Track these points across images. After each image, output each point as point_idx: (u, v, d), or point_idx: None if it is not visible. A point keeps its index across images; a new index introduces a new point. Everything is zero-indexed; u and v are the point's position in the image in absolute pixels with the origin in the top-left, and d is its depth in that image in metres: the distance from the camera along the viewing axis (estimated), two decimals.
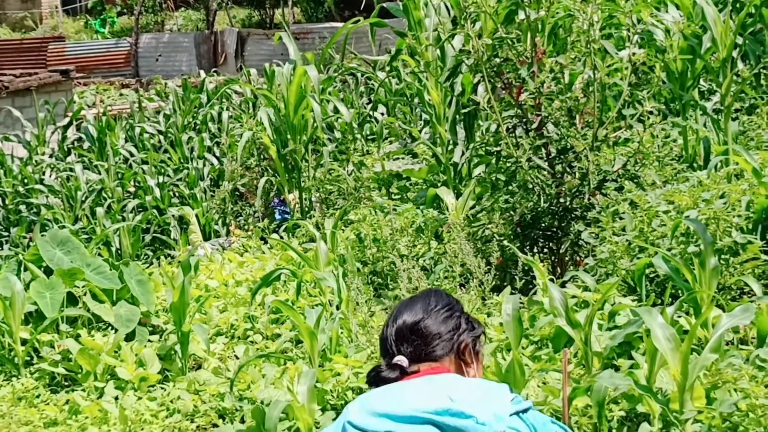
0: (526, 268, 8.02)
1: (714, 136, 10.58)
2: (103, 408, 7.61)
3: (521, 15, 9.34)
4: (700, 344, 6.06)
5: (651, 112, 9.21)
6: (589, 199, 8.52)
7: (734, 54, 10.66)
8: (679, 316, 6.60)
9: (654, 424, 5.53)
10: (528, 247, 8.60)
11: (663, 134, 10.63)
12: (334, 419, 6.46)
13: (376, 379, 3.47)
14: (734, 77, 10.44)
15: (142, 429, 7.37)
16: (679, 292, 6.99)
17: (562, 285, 7.80)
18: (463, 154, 11.27)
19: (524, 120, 8.77)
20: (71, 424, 7.57)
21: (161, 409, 7.62)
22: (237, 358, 8.40)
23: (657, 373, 5.74)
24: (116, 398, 7.86)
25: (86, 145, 16.27)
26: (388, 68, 14.73)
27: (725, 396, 5.54)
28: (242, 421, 7.07)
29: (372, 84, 16.74)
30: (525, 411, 3.26)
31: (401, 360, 3.46)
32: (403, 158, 13.30)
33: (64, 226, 12.23)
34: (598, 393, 5.59)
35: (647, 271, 7.51)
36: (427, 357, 3.45)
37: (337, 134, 14.63)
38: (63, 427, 7.55)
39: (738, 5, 11.83)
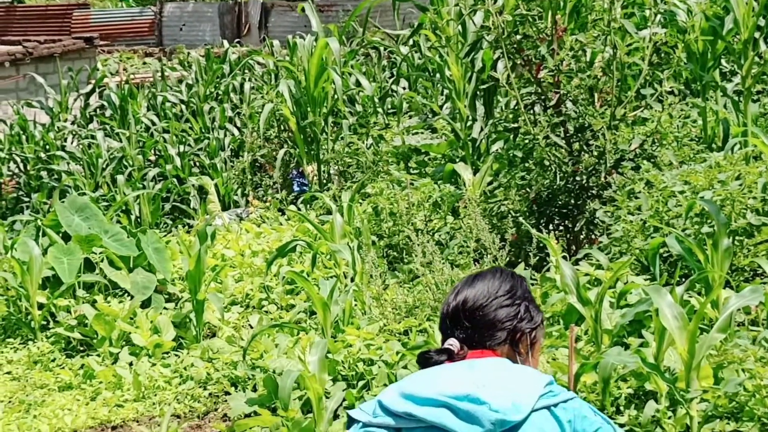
0: (541, 245, 8.04)
1: (733, 117, 10.56)
2: (117, 373, 7.69)
3: None
4: (710, 324, 6.08)
5: (670, 92, 9.22)
6: (605, 178, 8.53)
7: (756, 36, 10.62)
8: (690, 296, 6.62)
9: (661, 402, 5.55)
10: (543, 225, 8.62)
11: (682, 115, 10.60)
12: (344, 390, 6.52)
13: (425, 362, 3.44)
14: (756, 59, 10.41)
15: (156, 395, 7.45)
16: (692, 272, 7.00)
17: (576, 263, 7.83)
18: (481, 130, 11.27)
19: (543, 97, 8.77)
20: (85, 388, 7.65)
21: (174, 375, 7.70)
22: (251, 327, 8.46)
23: (665, 352, 5.77)
24: (130, 364, 7.94)
25: (108, 112, 16.30)
26: (410, 43, 14.74)
27: (732, 376, 5.56)
28: (254, 389, 7.14)
29: (395, 58, 16.71)
30: (557, 405, 3.10)
31: (452, 344, 3.40)
32: (422, 133, 13.30)
33: (84, 193, 12.29)
34: (606, 370, 5.62)
35: (661, 250, 7.52)
36: (479, 344, 3.35)
37: (358, 108, 14.63)
38: (77, 391, 7.63)
39: None
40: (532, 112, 8.90)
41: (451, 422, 3.16)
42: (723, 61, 11.81)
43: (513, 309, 3.39)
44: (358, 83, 13.82)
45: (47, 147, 14.61)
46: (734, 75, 11.86)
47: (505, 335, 3.36)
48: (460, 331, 3.41)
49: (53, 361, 8.20)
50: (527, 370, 3.32)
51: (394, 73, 15.90)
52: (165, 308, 8.91)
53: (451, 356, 3.39)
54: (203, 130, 15.11)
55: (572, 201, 8.64)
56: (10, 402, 7.56)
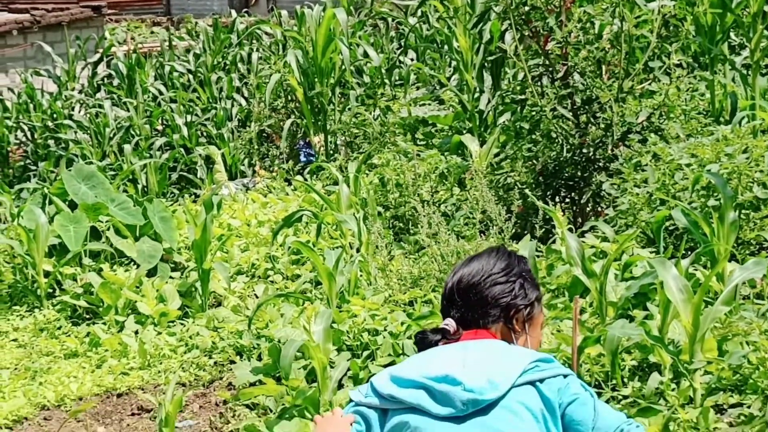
0: (547, 217, 8.04)
1: (742, 91, 10.52)
2: (122, 341, 7.72)
3: None
4: (715, 297, 6.08)
5: (678, 65, 9.18)
6: (612, 151, 8.52)
7: (766, 9, 10.55)
8: (696, 269, 6.62)
9: (665, 374, 5.57)
10: (549, 197, 8.61)
11: (690, 88, 10.57)
12: (349, 359, 6.54)
13: (421, 342, 3.46)
14: (765, 32, 10.36)
15: (161, 363, 7.47)
16: (698, 245, 7.00)
17: (582, 235, 7.83)
18: (489, 101, 11.25)
19: (550, 69, 8.75)
20: (91, 356, 7.68)
21: (180, 344, 7.72)
22: (256, 297, 8.48)
23: (669, 325, 5.77)
24: (136, 332, 7.97)
25: (116, 81, 16.27)
26: (419, 14, 14.70)
27: (736, 348, 5.57)
28: (259, 358, 7.16)
29: (403, 29, 16.66)
30: (543, 380, 3.18)
31: (448, 324, 3.43)
32: (429, 104, 13.27)
33: (91, 162, 12.29)
34: (610, 342, 5.63)
35: (667, 223, 7.51)
36: (474, 323, 3.40)
37: (366, 78, 14.61)
38: (83, 358, 7.66)
39: None
40: (539, 84, 8.88)
41: (428, 403, 3.20)
42: (732, 34, 11.75)
43: (507, 286, 3.41)
44: (365, 54, 13.78)
45: (55, 116, 14.61)
46: (743, 48, 11.80)
47: (498, 312, 3.39)
48: (456, 311, 3.43)
49: (59, 328, 8.22)
50: (516, 349, 3.34)
51: (402, 44, 15.84)
52: (171, 277, 8.93)
53: (446, 336, 3.41)
54: (210, 100, 15.11)
55: (579, 173, 8.63)
56: (16, 369, 7.59)
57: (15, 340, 8.12)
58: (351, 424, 3.32)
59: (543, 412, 3.16)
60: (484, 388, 3.15)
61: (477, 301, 3.41)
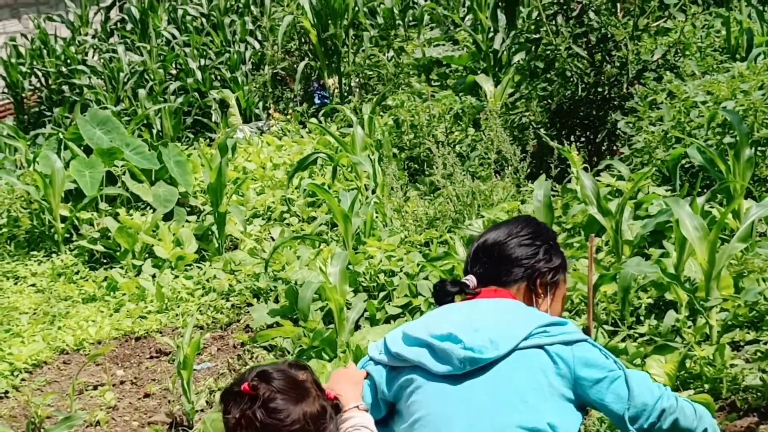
0: (562, 156, 8.02)
1: (758, 27, 10.43)
2: (140, 285, 7.76)
3: None
4: (731, 235, 6.06)
5: (693, 2, 9.11)
6: (627, 89, 8.48)
7: None
8: (712, 207, 6.60)
9: (681, 311, 5.56)
10: (564, 136, 8.59)
11: (705, 25, 10.48)
12: (365, 301, 6.56)
13: (439, 294, 3.48)
14: None
15: (179, 306, 7.52)
16: (714, 183, 6.97)
17: (597, 174, 7.81)
18: (503, 41, 11.20)
19: (565, 7, 8.70)
20: (109, 300, 7.73)
21: (197, 287, 7.76)
22: (272, 239, 8.50)
23: (686, 262, 5.76)
24: (153, 276, 8.01)
25: (129, 26, 16.23)
26: None
27: (752, 285, 5.56)
28: (276, 300, 7.18)
29: None
30: (553, 344, 3.17)
31: (469, 279, 3.45)
32: (443, 45, 13.20)
33: (105, 107, 12.29)
34: (626, 280, 5.62)
35: (682, 161, 7.48)
36: (495, 280, 3.43)
37: (379, 20, 14.53)
38: (101, 302, 7.71)
39: None
40: (554, 22, 8.83)
41: (428, 361, 3.22)
42: None
43: (532, 249, 3.46)
44: None
45: (68, 61, 14.60)
46: None
47: (521, 272, 3.43)
48: (480, 267, 3.46)
49: (77, 273, 8.27)
50: (530, 311, 3.35)
51: None
52: (187, 221, 8.95)
53: (465, 290, 3.42)
54: (224, 44, 15.05)
55: (594, 112, 8.60)
56: (35, 314, 7.64)
57: (33, 285, 8.17)
58: (366, 377, 3.35)
59: (548, 376, 3.15)
60: (483, 347, 3.16)
61: (500, 259, 3.45)
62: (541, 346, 3.17)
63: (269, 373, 3.02)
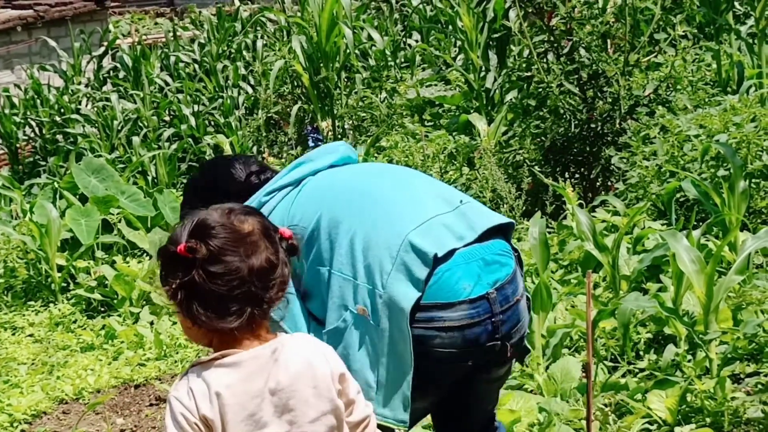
0: (557, 193, 8.04)
1: (748, 60, 10.49)
2: (138, 332, 7.73)
3: None
4: (728, 267, 6.07)
5: (684, 37, 9.16)
6: (620, 124, 8.51)
7: None
8: (708, 240, 6.62)
9: (680, 345, 5.56)
10: (559, 173, 8.61)
11: (696, 59, 10.55)
12: None
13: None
14: None
15: (177, 353, 7.49)
16: (709, 216, 6.99)
17: (592, 210, 7.82)
18: (495, 80, 11.24)
19: (555, 45, 8.74)
20: (107, 348, 7.70)
21: None
22: None
23: (683, 296, 5.77)
24: (151, 323, 7.98)
25: (122, 74, 16.28)
26: None
27: (750, 317, 5.56)
28: None
29: (406, 11, 16.66)
30: None
31: None
32: (436, 85, 13.27)
33: (100, 155, 12.30)
34: (624, 315, 5.62)
35: (677, 195, 7.51)
36: None
37: (371, 62, 14.60)
38: (99, 351, 7.68)
39: None
40: (545, 60, 8.87)
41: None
42: (736, 4, 11.72)
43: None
44: (369, 37, 13.77)
45: (62, 110, 14.63)
46: (748, 17, 11.78)
47: None
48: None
49: (74, 322, 8.24)
50: None
51: (406, 25, 15.84)
52: None
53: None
54: (217, 89, 15.10)
55: (587, 148, 8.62)
56: (33, 364, 7.61)
57: (31, 335, 8.14)
58: None
59: None
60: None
61: None
62: None
63: (208, 228, 2.74)
